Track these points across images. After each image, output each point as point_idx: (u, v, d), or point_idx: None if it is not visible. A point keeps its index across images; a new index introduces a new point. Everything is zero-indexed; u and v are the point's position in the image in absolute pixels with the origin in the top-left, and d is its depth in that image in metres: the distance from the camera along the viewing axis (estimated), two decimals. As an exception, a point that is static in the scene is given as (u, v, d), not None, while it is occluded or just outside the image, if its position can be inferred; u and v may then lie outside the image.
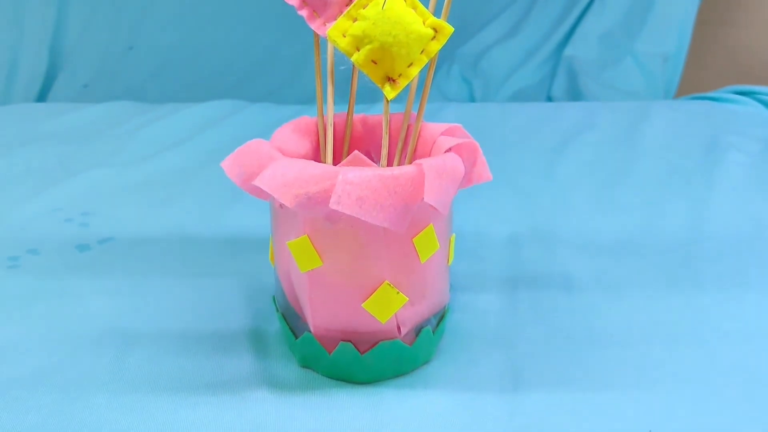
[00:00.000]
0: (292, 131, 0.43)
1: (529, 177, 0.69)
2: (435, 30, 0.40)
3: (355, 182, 0.35)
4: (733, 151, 0.73)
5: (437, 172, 0.36)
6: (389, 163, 0.43)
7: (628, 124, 0.82)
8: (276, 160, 0.37)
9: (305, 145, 0.43)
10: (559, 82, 1.16)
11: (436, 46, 0.40)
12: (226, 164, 0.40)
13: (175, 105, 0.90)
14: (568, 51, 1.18)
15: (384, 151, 0.42)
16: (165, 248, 0.55)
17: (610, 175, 0.69)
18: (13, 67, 1.16)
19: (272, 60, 1.17)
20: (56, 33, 1.19)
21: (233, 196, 0.63)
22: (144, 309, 0.47)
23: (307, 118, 0.44)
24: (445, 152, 0.39)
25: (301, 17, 0.41)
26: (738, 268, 0.52)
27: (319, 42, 0.42)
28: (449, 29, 0.39)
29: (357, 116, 0.45)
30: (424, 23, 0.40)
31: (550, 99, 1.13)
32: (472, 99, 1.13)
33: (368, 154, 0.46)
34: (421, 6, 0.40)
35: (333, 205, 0.34)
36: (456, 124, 0.42)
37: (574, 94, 1.13)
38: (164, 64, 1.18)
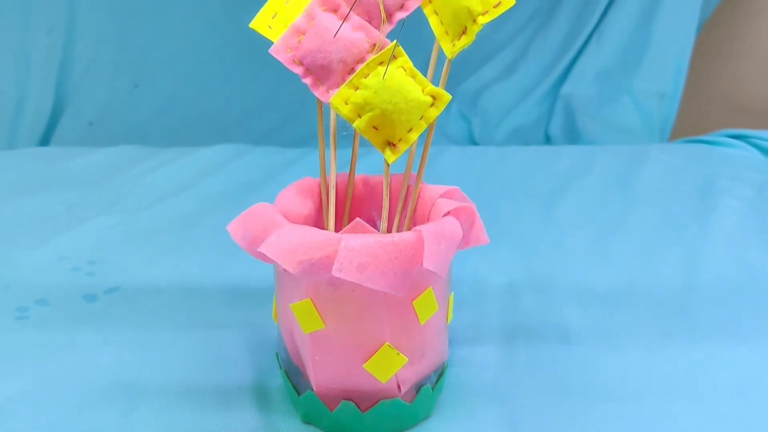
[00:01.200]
0: (295, 193, 0.44)
1: (527, 223, 0.70)
2: (433, 97, 0.41)
3: (356, 249, 0.36)
4: (727, 196, 0.74)
5: (436, 238, 0.38)
6: (390, 223, 0.44)
7: (624, 168, 0.84)
8: (280, 226, 0.38)
9: (308, 207, 0.44)
10: (557, 120, 1.17)
11: (434, 113, 0.41)
12: (232, 228, 0.41)
13: (179, 149, 0.91)
14: (566, 89, 1.20)
15: (384, 213, 0.43)
16: (170, 298, 0.56)
17: (607, 222, 0.70)
18: (19, 104, 1.17)
19: (275, 98, 1.19)
20: (62, 70, 1.20)
21: (235, 246, 0.64)
22: (149, 362, 0.48)
23: (310, 180, 0.46)
24: (444, 216, 0.41)
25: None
26: (732, 318, 0.53)
27: (323, 108, 0.44)
28: (447, 97, 0.41)
29: (358, 176, 0.47)
30: (423, 91, 0.41)
31: (548, 137, 1.15)
32: (471, 136, 1.14)
33: (369, 213, 0.47)
34: (420, 75, 0.41)
35: (335, 272, 0.35)
36: (454, 187, 0.44)
37: (572, 132, 1.14)
38: (169, 102, 1.20)
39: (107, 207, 0.75)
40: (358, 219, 0.39)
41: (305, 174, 0.83)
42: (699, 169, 0.83)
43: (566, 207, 0.74)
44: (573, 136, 1.14)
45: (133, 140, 1.12)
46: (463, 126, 1.17)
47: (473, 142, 1.15)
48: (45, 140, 1.15)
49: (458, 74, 1.22)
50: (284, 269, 0.39)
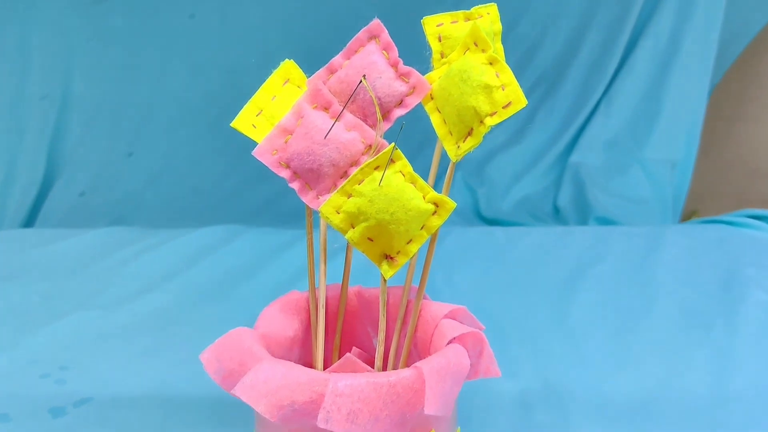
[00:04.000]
0: (279, 311, 0.39)
1: (538, 320, 0.65)
2: (436, 205, 0.36)
3: (346, 394, 0.31)
4: (754, 287, 0.69)
5: (439, 376, 0.33)
6: (387, 344, 0.39)
7: (640, 253, 0.78)
8: (258, 359, 0.33)
9: (294, 326, 0.39)
10: (566, 191, 1.13)
11: (437, 222, 0.37)
12: (206, 358, 0.36)
13: (167, 231, 0.86)
14: (574, 158, 1.16)
15: (381, 336, 0.38)
16: (145, 412, 0.51)
17: (625, 318, 0.65)
18: (10, 172, 1.14)
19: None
20: (55, 138, 1.17)
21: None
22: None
23: (297, 294, 0.41)
24: (448, 343, 0.36)
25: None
26: (770, 436, 0.48)
27: (312, 214, 0.39)
28: (451, 204, 0.36)
29: (352, 288, 0.42)
30: (424, 198, 0.36)
31: (556, 208, 1.10)
32: (477, 208, 1.10)
33: (364, 330, 0.42)
34: (420, 180, 0.37)
35: (321, 423, 0.30)
36: (460, 306, 0.39)
37: (581, 203, 1.10)
38: (163, 171, 1.16)
39: (85, 300, 0.69)
40: (348, 355, 0.34)
41: (299, 260, 0.79)
42: (721, 255, 0.77)
43: (580, 299, 0.68)
44: (582, 208, 1.09)
45: (124, 212, 1.08)
46: (468, 197, 1.13)
47: (478, 214, 1.10)
48: (35, 210, 1.11)
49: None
50: (263, 413, 0.34)
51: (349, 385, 0.31)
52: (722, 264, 0.75)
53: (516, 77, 0.36)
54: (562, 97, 1.21)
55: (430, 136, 0.39)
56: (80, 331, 0.63)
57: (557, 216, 1.09)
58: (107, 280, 0.74)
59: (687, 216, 1.19)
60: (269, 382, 0.32)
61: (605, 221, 1.03)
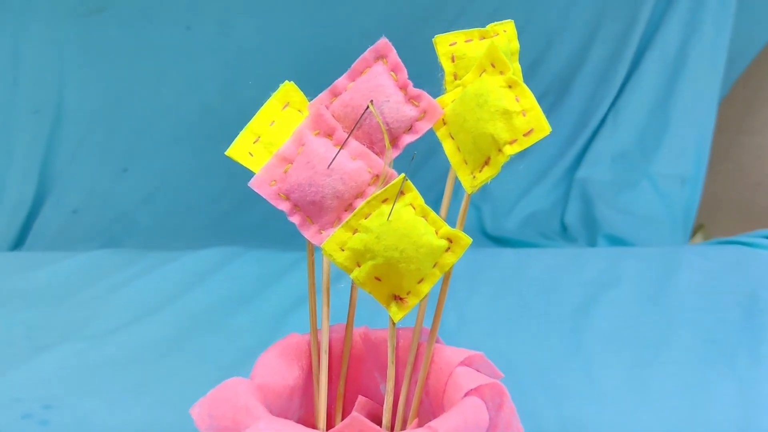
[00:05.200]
0: (278, 357, 0.36)
1: (552, 351, 0.61)
2: (450, 240, 0.33)
3: (352, 461, 0.27)
4: (777, 313, 0.66)
5: (456, 437, 0.29)
6: (396, 393, 0.36)
7: (655, 277, 0.75)
8: (255, 417, 0.30)
9: (293, 374, 0.36)
10: (573, 207, 1.09)
11: (451, 259, 0.34)
12: (196, 413, 0.33)
13: (159, 254, 0.83)
14: (581, 173, 1.13)
15: (390, 384, 0.35)
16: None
17: (643, 349, 0.61)
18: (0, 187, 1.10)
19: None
20: (47, 153, 1.14)
21: (219, 378, 0.56)
22: None
23: (297, 337, 0.37)
24: (465, 396, 0.32)
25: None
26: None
27: (314, 251, 0.36)
28: (467, 240, 0.33)
29: (357, 330, 0.39)
30: (437, 233, 0.33)
31: (563, 226, 1.07)
32: (482, 225, 1.06)
33: (371, 375, 0.39)
34: (433, 213, 0.33)
35: (325, 494, 0.27)
36: (477, 353, 0.35)
37: (589, 220, 1.06)
38: (159, 188, 1.13)
39: (73, 330, 0.65)
40: (355, 414, 0.30)
41: (299, 286, 0.76)
42: (740, 279, 0.74)
43: (595, 328, 0.65)
44: (591, 225, 1.06)
45: (117, 230, 1.04)
46: (472, 213, 1.10)
47: (483, 231, 1.06)
48: (26, 228, 1.07)
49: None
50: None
51: (356, 452, 0.28)
52: (742, 288, 0.72)
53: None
54: (568, 111, 1.18)
55: (443, 166, 0.36)
56: (66, 365, 0.59)
57: (565, 234, 1.06)
58: (96, 308, 0.70)
59: (694, 231, 1.16)
60: (267, 446, 0.28)
61: (614, 239, 1.00)
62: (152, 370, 0.59)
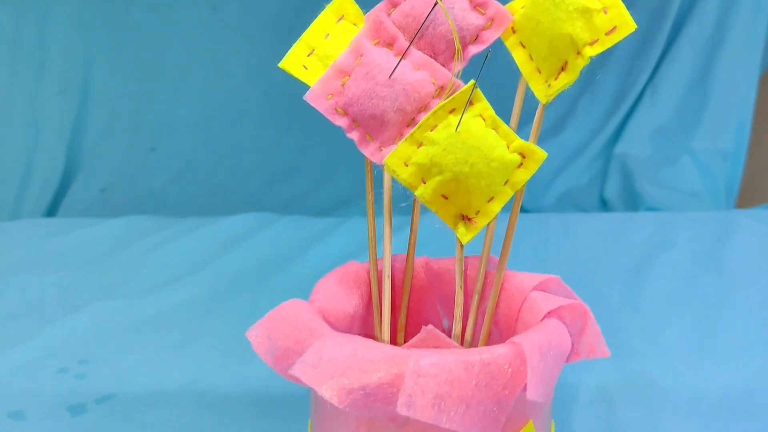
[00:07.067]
0: (337, 284, 0.33)
1: (609, 309, 0.58)
2: (522, 155, 0.30)
3: (431, 374, 0.25)
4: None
5: (541, 353, 0.27)
6: (463, 325, 0.33)
7: (710, 239, 0.72)
8: (320, 335, 0.27)
9: (354, 302, 0.33)
10: (612, 183, 1.06)
11: (524, 176, 0.31)
12: (254, 335, 0.30)
13: (195, 220, 0.81)
14: (620, 148, 1.10)
15: (458, 311, 0.32)
16: (175, 410, 0.45)
17: (705, 308, 0.58)
18: (27, 169, 1.09)
19: (299, 164, 1.09)
20: (74, 133, 1.13)
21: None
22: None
23: (356, 265, 0.35)
24: (543, 319, 0.29)
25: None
26: None
27: (373, 170, 0.33)
28: (541, 154, 0.30)
29: (419, 259, 0.36)
30: (508, 147, 0.30)
31: (603, 201, 1.04)
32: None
33: (433, 308, 0.36)
34: (504, 126, 0.31)
35: (402, 408, 0.24)
36: (553, 276, 0.33)
37: (630, 196, 1.03)
38: (187, 167, 1.11)
39: (107, 290, 0.63)
40: (430, 327, 0.28)
41: (340, 248, 0.73)
42: (800, 239, 0.71)
43: (652, 288, 0.62)
44: (632, 199, 1.03)
45: (146, 209, 1.03)
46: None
47: (520, 207, 1.03)
48: (53, 209, 1.06)
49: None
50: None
51: (434, 364, 0.25)
52: (804, 249, 0.68)
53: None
54: (605, 86, 1.15)
55: (512, 75, 0.33)
56: (102, 322, 0.57)
57: (605, 208, 1.03)
58: (132, 270, 0.68)
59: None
60: (336, 361, 0.26)
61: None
62: (191, 329, 0.56)
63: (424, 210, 0.34)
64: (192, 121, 1.15)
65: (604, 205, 1.04)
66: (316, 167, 1.07)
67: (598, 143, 1.11)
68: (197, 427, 0.43)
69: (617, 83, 1.14)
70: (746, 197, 1.11)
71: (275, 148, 1.09)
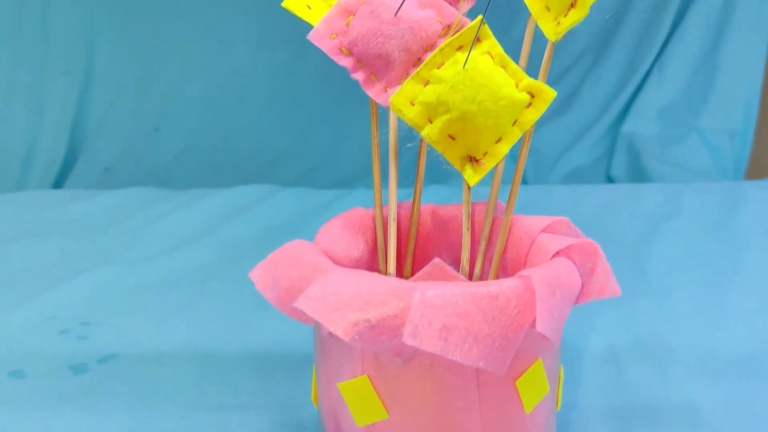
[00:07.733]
0: (342, 228, 0.32)
1: (617, 274, 0.57)
2: (531, 94, 0.30)
3: (437, 305, 0.24)
4: None
5: (550, 288, 0.26)
6: (471, 271, 0.32)
7: (718, 208, 0.71)
8: (324, 271, 0.27)
9: (359, 247, 0.32)
10: (619, 161, 1.06)
11: (533, 116, 0.30)
12: (257, 275, 0.30)
13: (199, 191, 0.80)
14: (627, 127, 1.09)
15: (465, 254, 0.31)
16: (178, 370, 0.44)
17: (713, 273, 0.58)
18: (31, 148, 1.09)
19: (303, 143, 1.09)
20: (78, 113, 1.13)
21: (263, 301, 0.53)
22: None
23: (362, 211, 0.34)
24: (553, 257, 0.29)
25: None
26: None
27: (378, 112, 0.33)
28: (551, 93, 0.30)
29: (425, 206, 0.35)
30: (517, 86, 0.30)
31: (610, 180, 1.03)
32: (524, 179, 1.03)
33: (440, 254, 0.36)
34: (513, 64, 0.30)
35: (408, 338, 0.24)
36: (561, 218, 0.32)
37: (637, 174, 1.03)
38: (191, 147, 1.11)
39: (110, 256, 0.63)
40: (437, 260, 0.27)
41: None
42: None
43: (660, 255, 0.61)
44: (639, 177, 1.02)
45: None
46: (514, 167, 1.06)
47: (526, 185, 1.03)
48: (57, 186, 1.05)
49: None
50: (330, 333, 0.27)
51: (441, 295, 0.24)
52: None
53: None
54: (610, 65, 1.14)
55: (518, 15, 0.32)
56: (103, 286, 0.57)
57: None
58: (135, 237, 0.67)
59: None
60: (341, 294, 0.25)
61: (665, 190, 0.96)
62: (193, 293, 0.56)
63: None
64: (196, 101, 1.14)
65: (612, 183, 1.03)
66: (320, 146, 1.07)
67: (606, 122, 1.11)
68: (200, 387, 0.43)
69: (624, 61, 1.14)
70: (754, 175, 1.10)
71: (279, 127, 1.08)
